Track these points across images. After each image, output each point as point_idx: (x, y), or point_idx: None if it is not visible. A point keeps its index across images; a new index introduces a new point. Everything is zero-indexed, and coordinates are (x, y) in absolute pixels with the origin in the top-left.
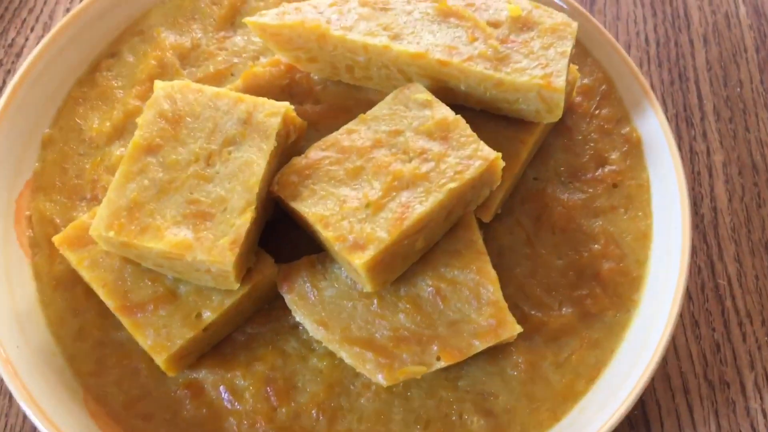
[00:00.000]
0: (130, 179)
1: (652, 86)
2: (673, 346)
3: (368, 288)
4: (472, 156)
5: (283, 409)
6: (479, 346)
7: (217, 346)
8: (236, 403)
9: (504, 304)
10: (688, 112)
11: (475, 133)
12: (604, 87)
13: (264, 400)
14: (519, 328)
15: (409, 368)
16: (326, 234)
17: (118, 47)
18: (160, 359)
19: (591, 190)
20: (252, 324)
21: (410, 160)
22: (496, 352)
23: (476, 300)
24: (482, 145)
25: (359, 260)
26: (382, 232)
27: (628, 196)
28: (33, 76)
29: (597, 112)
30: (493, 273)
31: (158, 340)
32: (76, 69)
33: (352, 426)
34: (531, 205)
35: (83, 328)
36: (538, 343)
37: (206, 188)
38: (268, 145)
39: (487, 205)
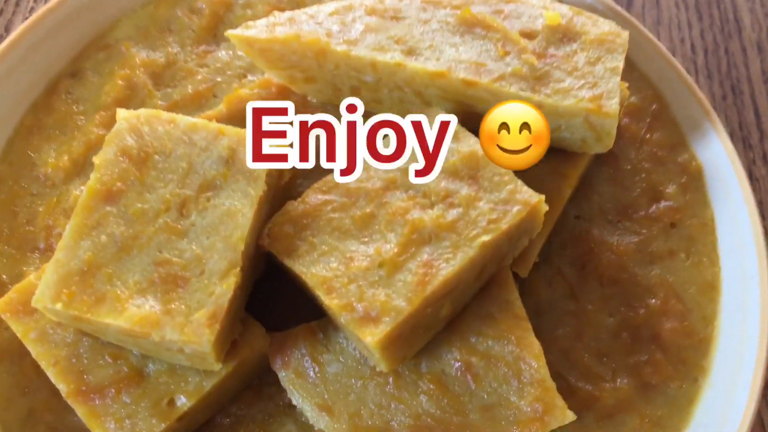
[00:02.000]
0: (84, 235)
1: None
2: (760, 422)
3: (383, 367)
4: (509, 200)
5: None
6: None
7: None
8: None
9: (552, 384)
10: (744, 131)
11: (510, 170)
12: (655, 106)
13: None
14: (572, 416)
15: None
16: (330, 302)
17: (81, 65)
18: None
19: (645, 231)
20: (239, 404)
21: (432, 206)
22: None
23: (516, 378)
24: (520, 185)
25: (371, 337)
26: (399, 300)
27: (689, 238)
28: None
29: (648, 136)
30: (536, 344)
31: None
32: (31, 91)
33: None
34: (574, 251)
35: (33, 411)
36: (589, 423)
37: (179, 245)
38: (256, 190)
39: (524, 257)
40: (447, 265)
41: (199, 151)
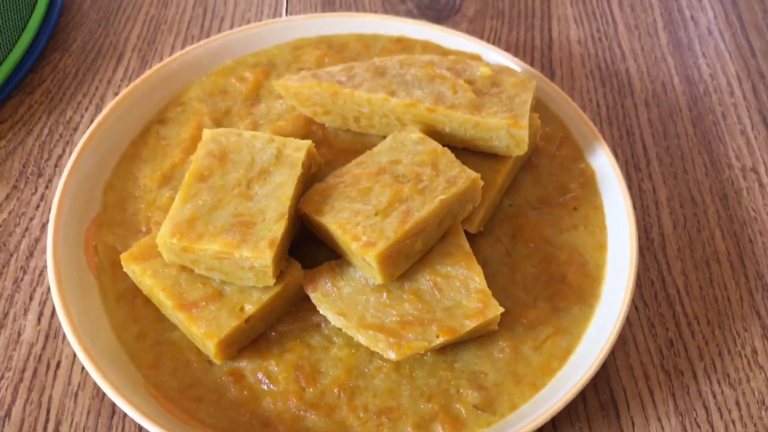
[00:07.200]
0: (188, 200)
1: (605, 139)
2: (634, 344)
3: (379, 279)
4: (458, 176)
5: (311, 389)
6: (470, 324)
7: (254, 342)
8: (271, 386)
9: (488, 291)
10: (635, 159)
11: (459, 160)
12: (562, 134)
13: (295, 382)
14: (501, 309)
15: (414, 344)
16: (344, 236)
17: (165, 115)
18: (211, 344)
19: (556, 213)
20: (282, 323)
21: (408, 181)
22: (484, 339)
23: (465, 289)
24: (465, 168)
25: (372, 252)
26: (389, 231)
27: (586, 217)
28: (96, 137)
29: (557, 152)
30: (478, 267)
31: (210, 328)
32: (131, 131)
33: (368, 401)
34: (508, 226)
35: (142, 331)
36: (519, 331)
37: (248, 205)
38: (296, 172)
39: (471, 219)
40: (418, 212)
41: (258, 150)
